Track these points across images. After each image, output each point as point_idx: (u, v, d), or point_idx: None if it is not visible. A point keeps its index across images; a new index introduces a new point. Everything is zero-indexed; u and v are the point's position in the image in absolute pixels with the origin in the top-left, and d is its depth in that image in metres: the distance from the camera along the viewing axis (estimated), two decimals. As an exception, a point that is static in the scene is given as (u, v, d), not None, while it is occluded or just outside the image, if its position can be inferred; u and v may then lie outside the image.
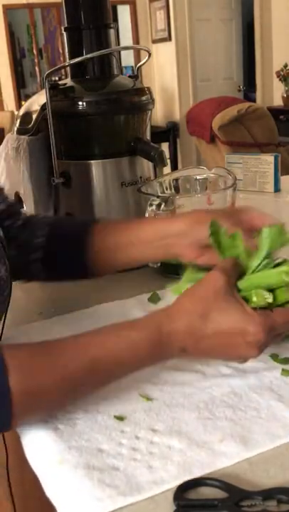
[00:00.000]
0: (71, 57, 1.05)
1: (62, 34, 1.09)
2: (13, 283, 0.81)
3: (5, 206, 0.82)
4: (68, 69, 1.08)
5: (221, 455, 0.55)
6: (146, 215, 0.87)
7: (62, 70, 1.12)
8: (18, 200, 1.09)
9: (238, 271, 0.65)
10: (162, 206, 0.87)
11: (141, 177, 1.07)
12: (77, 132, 1.04)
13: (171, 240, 0.76)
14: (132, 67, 3.08)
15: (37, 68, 7.02)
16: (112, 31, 1.06)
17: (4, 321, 0.78)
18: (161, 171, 1.07)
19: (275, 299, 0.63)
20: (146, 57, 1.11)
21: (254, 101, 5.73)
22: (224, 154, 1.91)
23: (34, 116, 1.05)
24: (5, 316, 0.78)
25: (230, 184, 0.93)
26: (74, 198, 1.07)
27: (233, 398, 0.64)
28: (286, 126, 4.64)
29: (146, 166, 1.08)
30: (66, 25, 1.06)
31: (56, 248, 0.81)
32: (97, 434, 0.60)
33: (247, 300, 0.63)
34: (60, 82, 1.03)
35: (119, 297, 0.90)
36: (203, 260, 0.73)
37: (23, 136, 1.05)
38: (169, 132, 5.95)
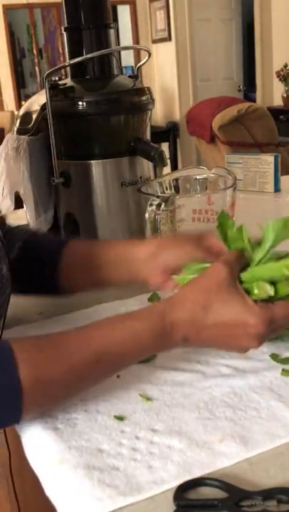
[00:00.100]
0: (71, 57, 1.05)
1: (62, 34, 1.09)
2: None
3: None
4: (68, 69, 1.08)
5: (221, 455, 0.55)
6: (146, 215, 0.87)
7: (62, 70, 1.12)
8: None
9: (242, 263, 0.67)
10: (162, 206, 0.87)
11: (141, 177, 1.07)
12: (77, 132, 1.04)
13: (138, 266, 0.77)
14: (132, 67, 3.08)
15: (37, 68, 7.02)
16: (112, 31, 1.06)
17: (4, 320, 0.78)
18: (161, 171, 1.07)
19: (276, 292, 0.64)
20: (146, 57, 1.11)
21: (254, 101, 5.73)
22: (224, 154, 1.91)
23: (34, 116, 1.05)
24: (5, 315, 0.78)
25: (231, 184, 0.93)
26: (74, 198, 1.07)
27: (233, 398, 0.64)
28: (286, 126, 4.64)
29: (146, 166, 1.08)
30: (66, 25, 1.06)
31: (29, 263, 0.81)
32: (97, 434, 0.60)
33: (249, 292, 0.64)
34: (60, 82, 1.03)
35: (119, 297, 0.90)
36: (169, 286, 0.75)
37: (23, 136, 1.05)
38: (169, 132, 5.95)
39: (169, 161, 5.39)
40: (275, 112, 4.39)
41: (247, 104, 3.75)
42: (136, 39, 6.40)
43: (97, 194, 1.04)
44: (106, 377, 0.65)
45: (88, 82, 1.06)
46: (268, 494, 0.50)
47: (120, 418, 0.62)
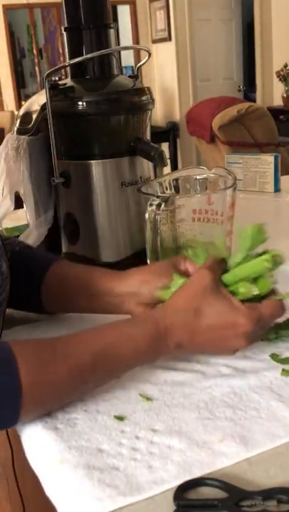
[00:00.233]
0: (71, 57, 1.05)
1: (62, 34, 1.09)
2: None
3: None
4: (68, 69, 1.08)
5: (221, 455, 0.55)
6: (146, 215, 0.87)
7: (62, 70, 1.12)
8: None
9: (222, 268, 0.70)
10: (162, 206, 0.87)
11: (141, 177, 1.07)
12: (77, 132, 1.04)
13: (121, 299, 0.78)
14: (132, 67, 3.08)
15: (37, 68, 7.03)
16: (112, 31, 1.06)
17: (4, 318, 0.79)
18: (161, 171, 1.07)
19: (259, 290, 0.67)
20: (146, 57, 1.11)
21: (254, 101, 5.73)
22: (224, 154, 1.91)
23: (34, 116, 1.05)
24: (4, 314, 0.78)
25: (231, 184, 0.93)
26: (74, 198, 1.07)
27: (233, 398, 0.64)
28: (286, 126, 4.64)
29: (146, 166, 1.08)
30: (66, 25, 1.06)
31: (14, 276, 0.80)
32: (97, 434, 0.60)
33: (234, 293, 0.67)
34: (60, 82, 1.03)
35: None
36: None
37: (23, 136, 1.05)
38: (169, 132, 5.95)
39: (169, 161, 5.40)
40: (275, 111, 4.39)
41: (247, 104, 3.75)
42: (136, 39, 6.40)
43: (97, 194, 1.04)
44: (104, 381, 0.66)
45: (88, 82, 1.06)
46: (268, 494, 0.50)
47: (120, 418, 0.62)
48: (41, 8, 6.92)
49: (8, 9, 6.03)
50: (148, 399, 0.65)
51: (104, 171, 1.04)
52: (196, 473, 0.53)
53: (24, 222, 1.16)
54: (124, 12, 6.46)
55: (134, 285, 0.77)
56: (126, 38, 6.54)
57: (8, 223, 1.28)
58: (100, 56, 1.03)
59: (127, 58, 6.20)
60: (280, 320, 0.79)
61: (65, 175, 1.04)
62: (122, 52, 5.54)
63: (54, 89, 1.00)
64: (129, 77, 1.11)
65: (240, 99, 4.37)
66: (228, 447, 0.56)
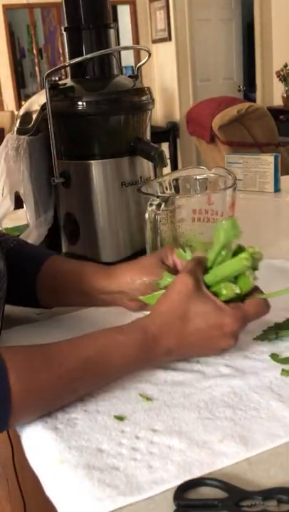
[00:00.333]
0: (71, 57, 1.05)
1: (62, 34, 1.09)
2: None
3: None
4: (68, 69, 1.08)
5: (221, 455, 0.55)
6: (146, 215, 0.87)
7: (62, 70, 1.12)
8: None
9: (203, 268, 0.70)
10: (162, 206, 0.87)
11: (141, 177, 1.07)
12: (77, 132, 1.04)
13: (113, 296, 0.80)
14: (132, 67, 3.08)
15: (37, 68, 7.03)
16: (112, 31, 1.06)
17: (3, 317, 0.79)
18: (161, 171, 1.07)
19: (240, 289, 0.68)
20: (146, 57, 1.11)
21: (254, 101, 5.73)
22: (224, 154, 1.91)
23: (34, 116, 1.05)
24: (3, 310, 0.78)
25: (231, 184, 0.92)
26: (74, 198, 1.07)
27: (233, 398, 0.64)
28: (286, 126, 4.64)
29: (146, 166, 1.08)
30: (66, 25, 1.06)
31: (9, 272, 0.81)
32: (97, 434, 0.60)
33: (217, 294, 0.68)
34: (60, 82, 1.03)
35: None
36: (147, 308, 0.77)
37: (23, 136, 1.05)
38: (169, 132, 5.95)
39: (169, 161, 5.40)
40: (275, 111, 4.39)
41: (247, 104, 3.75)
42: (136, 39, 6.40)
43: (97, 194, 1.04)
44: (96, 386, 0.66)
45: (88, 82, 1.06)
46: (268, 494, 0.50)
47: (120, 418, 0.62)
48: (41, 8, 6.93)
49: (8, 9, 6.04)
50: (148, 399, 0.65)
51: (104, 171, 1.04)
52: (196, 473, 0.53)
53: (24, 222, 1.16)
54: (124, 12, 6.46)
55: (124, 284, 0.79)
56: (126, 38, 6.54)
57: (8, 223, 1.28)
58: (100, 56, 1.03)
59: (127, 58, 6.20)
60: (280, 320, 0.79)
61: (65, 175, 1.04)
62: (122, 52, 5.54)
63: (54, 89, 1.00)
64: (129, 77, 1.11)
65: (240, 99, 4.37)
66: (228, 447, 0.56)
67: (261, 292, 0.70)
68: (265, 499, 0.49)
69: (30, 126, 1.05)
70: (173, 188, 0.99)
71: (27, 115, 1.07)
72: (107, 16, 1.05)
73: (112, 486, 0.52)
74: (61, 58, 6.82)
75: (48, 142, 1.02)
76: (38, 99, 1.05)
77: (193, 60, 6.16)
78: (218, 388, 0.66)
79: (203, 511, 0.50)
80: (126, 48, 5.43)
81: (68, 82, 1.05)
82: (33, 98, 1.12)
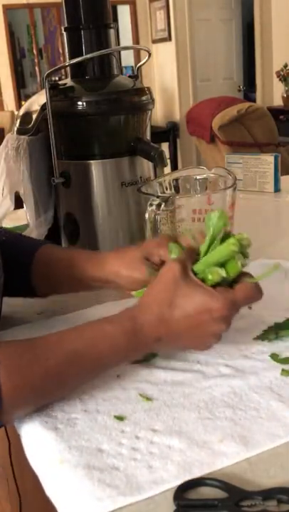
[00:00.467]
0: (71, 57, 1.05)
1: (62, 34, 1.09)
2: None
3: None
4: (68, 69, 1.08)
5: (221, 455, 0.55)
6: (146, 215, 0.87)
7: (63, 70, 1.12)
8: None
9: (193, 257, 0.71)
10: (162, 206, 0.87)
11: (141, 177, 1.07)
12: (77, 132, 1.04)
13: (102, 284, 0.82)
14: (132, 67, 3.08)
15: (37, 68, 7.03)
16: (112, 31, 1.06)
17: (0, 312, 0.79)
18: (161, 171, 1.07)
19: (227, 273, 0.68)
20: (146, 57, 1.11)
21: (254, 101, 5.73)
22: (224, 154, 1.91)
23: (34, 116, 1.05)
24: (1, 305, 0.79)
25: (231, 184, 0.93)
26: (74, 198, 1.07)
27: (233, 398, 0.64)
28: (286, 126, 4.64)
29: (146, 166, 1.08)
30: (66, 25, 1.06)
31: (4, 267, 0.82)
32: (97, 434, 0.60)
33: (204, 280, 0.68)
34: (60, 82, 1.03)
35: (119, 297, 0.90)
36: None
37: (23, 136, 1.05)
38: (169, 132, 5.95)
39: (169, 161, 5.40)
40: (275, 111, 4.39)
41: (247, 104, 3.75)
42: (136, 39, 6.40)
43: (97, 194, 1.04)
44: (86, 378, 0.66)
45: (88, 82, 1.06)
46: (268, 494, 0.50)
47: (120, 418, 0.62)
48: (41, 8, 6.92)
49: (8, 9, 6.03)
50: (148, 399, 0.65)
51: (104, 171, 1.04)
52: (196, 473, 0.53)
53: (24, 222, 1.16)
54: (124, 12, 6.46)
55: (112, 273, 0.80)
56: (126, 38, 6.54)
57: (8, 223, 1.28)
58: (99, 56, 1.03)
59: (127, 58, 6.20)
60: (280, 320, 0.79)
61: (65, 175, 1.04)
62: (122, 52, 5.54)
63: (54, 89, 1.00)
64: (129, 77, 1.11)
65: (240, 99, 4.37)
66: (228, 447, 0.56)
67: (251, 277, 0.70)
68: (265, 499, 0.49)
69: (30, 126, 1.05)
70: (173, 188, 0.99)
71: (27, 115, 1.07)
72: (107, 16, 1.05)
73: (112, 486, 0.52)
74: (61, 58, 6.81)
75: (48, 142, 1.02)
76: (38, 99, 1.05)
77: (193, 60, 6.16)
78: (218, 388, 0.66)
79: (203, 511, 0.50)
80: (126, 48, 5.43)
81: (68, 82, 1.05)
82: (33, 98, 1.13)
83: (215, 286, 0.67)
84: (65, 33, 1.06)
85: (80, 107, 1.01)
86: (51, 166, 1.03)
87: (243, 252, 0.69)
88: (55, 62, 7.05)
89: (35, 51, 7.04)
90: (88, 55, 1.03)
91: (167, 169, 1.40)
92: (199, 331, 0.67)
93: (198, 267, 0.70)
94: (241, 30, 6.50)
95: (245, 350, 0.74)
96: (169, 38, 6.12)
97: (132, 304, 0.87)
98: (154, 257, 0.78)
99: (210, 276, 0.68)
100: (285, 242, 1.16)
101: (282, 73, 5.26)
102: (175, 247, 0.74)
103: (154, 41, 6.39)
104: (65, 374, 0.63)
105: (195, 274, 0.69)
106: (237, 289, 0.68)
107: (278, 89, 5.57)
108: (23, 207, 1.11)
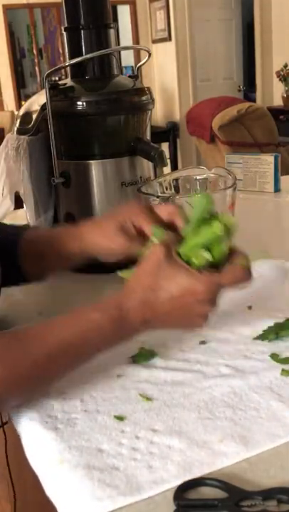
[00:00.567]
0: (71, 57, 1.05)
1: (62, 34, 1.09)
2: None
3: None
4: (68, 69, 1.08)
5: (221, 455, 0.55)
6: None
7: (63, 70, 1.12)
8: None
9: (178, 240, 0.71)
10: (162, 206, 0.87)
11: (141, 177, 1.07)
12: (77, 132, 1.04)
13: (85, 258, 0.82)
14: (132, 67, 3.08)
15: (37, 68, 7.02)
16: (112, 31, 1.06)
17: None
18: (161, 171, 1.07)
19: (213, 256, 0.68)
20: (146, 57, 1.11)
21: (254, 101, 5.73)
22: (224, 154, 1.91)
23: (34, 116, 1.05)
24: None
25: (231, 184, 0.93)
26: (74, 197, 1.07)
27: (233, 398, 0.64)
28: (286, 126, 4.64)
29: (146, 166, 1.08)
30: (66, 25, 1.06)
31: None
32: (97, 434, 0.60)
33: (189, 264, 0.68)
34: (60, 82, 1.03)
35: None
36: (134, 246, 0.78)
37: (23, 136, 1.05)
38: (169, 132, 5.95)
39: (169, 161, 5.39)
40: (275, 112, 4.39)
41: (247, 104, 3.75)
42: (136, 39, 6.39)
43: (97, 194, 1.04)
44: (75, 365, 0.67)
45: (88, 82, 1.06)
46: (268, 494, 0.50)
47: (120, 418, 0.62)
48: (41, 8, 6.92)
49: (8, 9, 6.03)
50: (148, 399, 0.65)
51: (104, 171, 1.04)
52: (196, 473, 0.53)
53: (24, 222, 1.16)
54: (124, 12, 6.45)
55: (91, 246, 0.80)
56: (126, 38, 6.53)
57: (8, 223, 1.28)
58: (99, 56, 1.03)
59: (127, 58, 6.19)
60: (280, 320, 0.79)
61: (65, 175, 1.04)
62: (122, 52, 5.53)
63: (54, 89, 1.00)
64: (129, 77, 1.11)
65: (240, 99, 4.37)
66: (228, 447, 0.56)
67: (244, 258, 0.70)
68: (265, 499, 0.49)
69: (30, 126, 1.05)
70: (173, 188, 0.99)
71: (27, 115, 1.07)
72: (107, 16, 1.05)
73: (112, 486, 0.52)
74: (61, 58, 6.81)
75: (48, 142, 1.02)
76: (38, 99, 1.05)
77: (193, 60, 6.15)
78: (218, 388, 0.66)
79: (203, 511, 0.50)
80: (126, 48, 5.43)
81: (68, 82, 1.05)
82: (33, 98, 1.13)
83: (200, 269, 0.67)
84: (65, 33, 1.07)
85: (80, 107, 1.01)
86: (51, 166, 1.03)
87: (227, 233, 0.69)
88: (55, 62, 7.05)
89: (35, 51, 7.04)
90: (88, 55, 1.03)
91: (167, 169, 1.40)
92: (185, 312, 0.68)
93: (182, 249, 0.70)
94: (241, 30, 6.50)
95: (245, 350, 0.74)
96: (169, 38, 6.12)
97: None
98: (127, 224, 0.78)
99: (194, 260, 0.68)
100: (285, 242, 1.16)
101: (282, 73, 5.26)
102: (158, 230, 0.73)
103: (154, 41, 6.39)
104: (54, 363, 0.64)
105: (180, 257, 0.69)
106: (223, 273, 0.68)
107: (278, 89, 5.57)
108: (23, 207, 1.11)
